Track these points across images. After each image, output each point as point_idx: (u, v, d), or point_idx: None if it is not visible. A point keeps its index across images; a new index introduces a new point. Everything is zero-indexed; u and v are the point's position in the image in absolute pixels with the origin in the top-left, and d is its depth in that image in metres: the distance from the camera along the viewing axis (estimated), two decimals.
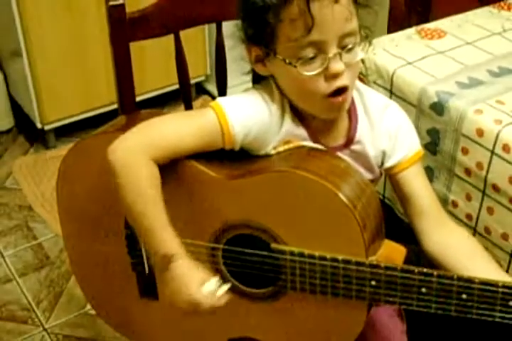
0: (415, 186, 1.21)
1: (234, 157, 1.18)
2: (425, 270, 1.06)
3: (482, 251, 1.19)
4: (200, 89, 2.99)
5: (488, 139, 1.33)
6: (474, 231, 1.41)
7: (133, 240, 1.26)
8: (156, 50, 2.50)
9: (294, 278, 1.14)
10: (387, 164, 1.22)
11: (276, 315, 1.20)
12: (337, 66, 1.07)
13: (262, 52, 1.12)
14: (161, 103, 2.84)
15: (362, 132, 1.20)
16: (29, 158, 2.68)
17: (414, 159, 1.22)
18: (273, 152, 1.18)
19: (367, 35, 1.12)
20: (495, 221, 1.36)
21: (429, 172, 1.47)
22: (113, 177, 1.12)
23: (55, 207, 1.34)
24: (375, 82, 1.54)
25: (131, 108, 1.43)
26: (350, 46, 1.08)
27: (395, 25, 2.28)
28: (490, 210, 1.37)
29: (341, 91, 1.09)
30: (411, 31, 1.66)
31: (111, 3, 1.32)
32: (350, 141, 1.20)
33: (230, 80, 1.55)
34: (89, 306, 1.96)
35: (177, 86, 1.53)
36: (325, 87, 1.08)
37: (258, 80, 1.21)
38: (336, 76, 1.08)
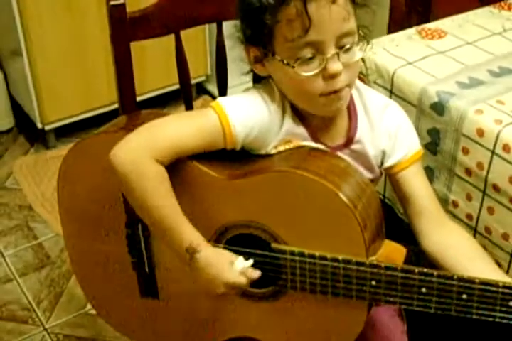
0: (415, 186, 1.21)
1: (235, 156, 1.18)
2: (425, 270, 1.06)
3: (482, 251, 1.19)
4: (201, 89, 2.99)
5: (489, 139, 1.32)
6: (475, 231, 1.41)
7: (133, 239, 1.27)
8: (157, 49, 2.50)
9: (294, 278, 1.14)
10: (387, 163, 1.22)
11: (277, 314, 1.20)
12: (335, 66, 1.07)
13: (261, 53, 1.12)
14: (162, 103, 2.84)
15: (362, 132, 1.20)
16: (29, 158, 2.68)
17: (414, 159, 1.22)
18: (274, 151, 1.18)
19: (365, 35, 1.12)
20: (495, 221, 1.36)
21: (430, 172, 1.47)
22: (120, 180, 1.12)
23: (56, 206, 1.34)
24: (375, 82, 1.54)
25: (131, 108, 1.43)
26: (348, 46, 1.08)
27: (396, 25, 2.28)
28: (490, 210, 1.37)
29: (338, 90, 1.10)
30: (411, 31, 1.66)
31: (111, 2, 1.32)
32: (350, 140, 1.20)
33: (231, 80, 1.55)
34: (89, 306, 1.96)
35: (177, 86, 1.53)
36: (323, 87, 1.09)
37: (258, 80, 1.21)
38: (333, 76, 1.08)
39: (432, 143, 1.46)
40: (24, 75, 2.53)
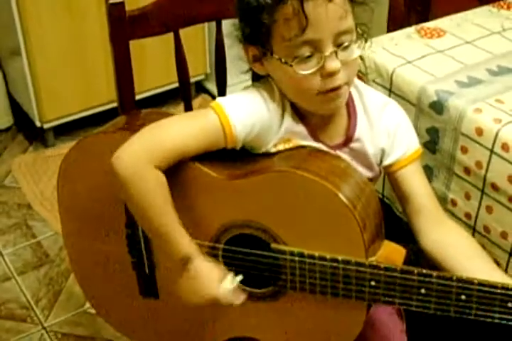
0: (413, 184, 1.22)
1: (235, 155, 1.18)
2: (424, 271, 1.06)
3: (480, 250, 1.19)
4: (200, 88, 2.99)
5: (488, 138, 1.33)
6: (473, 230, 1.42)
7: (133, 239, 1.26)
8: (156, 48, 2.49)
9: (294, 278, 1.14)
10: (386, 162, 1.23)
11: (276, 314, 1.20)
12: (333, 64, 1.07)
13: (259, 52, 1.13)
14: (161, 101, 2.84)
15: (361, 130, 1.20)
16: (28, 157, 2.68)
17: (413, 157, 1.22)
18: (273, 150, 1.18)
19: (363, 32, 1.12)
20: (494, 220, 1.36)
21: (429, 171, 1.47)
22: (120, 183, 1.12)
23: (55, 205, 1.34)
24: (374, 81, 1.54)
25: (130, 106, 1.43)
26: (346, 44, 1.08)
27: (395, 24, 2.28)
28: (489, 209, 1.37)
29: (336, 88, 1.10)
30: (410, 30, 1.66)
31: (111, 1, 1.32)
32: (349, 139, 1.20)
33: (230, 79, 1.55)
34: (88, 304, 1.96)
35: (177, 84, 1.53)
36: (321, 85, 1.09)
37: (257, 79, 1.21)
38: (331, 74, 1.08)
39: (431, 142, 1.46)
40: (23, 74, 2.53)
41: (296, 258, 1.12)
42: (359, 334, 1.16)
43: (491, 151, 1.32)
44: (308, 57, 1.07)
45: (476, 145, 1.35)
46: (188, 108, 1.53)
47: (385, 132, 1.21)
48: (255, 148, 1.19)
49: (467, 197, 1.41)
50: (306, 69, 1.07)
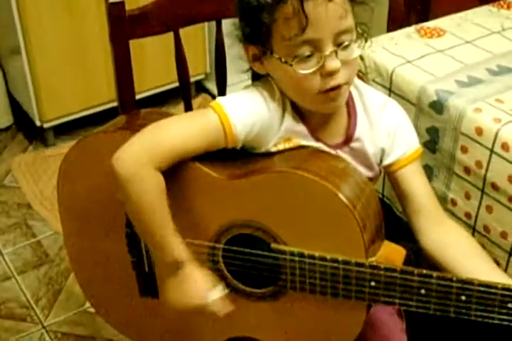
0: (413, 184, 1.22)
1: (235, 155, 1.18)
2: (424, 271, 1.06)
3: (480, 250, 1.19)
4: (200, 88, 2.99)
5: (488, 138, 1.32)
6: (473, 230, 1.42)
7: (133, 239, 1.26)
8: (156, 48, 2.49)
9: (294, 278, 1.14)
10: (386, 161, 1.23)
11: (276, 314, 1.20)
12: (333, 64, 1.07)
13: (259, 51, 1.13)
14: (161, 101, 2.84)
15: (361, 130, 1.20)
16: (28, 156, 2.67)
17: (413, 157, 1.22)
18: (274, 149, 1.18)
19: (363, 32, 1.12)
20: (494, 219, 1.36)
21: (429, 171, 1.47)
22: (119, 184, 1.12)
23: (55, 205, 1.34)
24: (374, 81, 1.54)
25: (130, 106, 1.43)
26: (346, 43, 1.08)
27: (395, 23, 2.28)
28: (489, 209, 1.37)
29: (336, 87, 1.10)
30: (410, 30, 1.66)
31: (110, 0, 1.32)
32: (349, 138, 1.20)
33: (230, 78, 1.55)
34: (88, 304, 1.96)
35: (177, 84, 1.53)
36: (321, 84, 1.09)
37: (257, 78, 1.21)
38: (332, 73, 1.08)
39: (431, 142, 1.46)
40: (23, 73, 2.53)
41: (296, 258, 1.12)
42: (359, 334, 1.16)
43: (491, 151, 1.32)
44: (308, 56, 1.07)
45: (476, 144, 1.35)
46: (188, 107, 1.53)
47: (385, 132, 1.21)
48: (255, 148, 1.19)
49: (467, 196, 1.41)
50: (306, 69, 1.07)
